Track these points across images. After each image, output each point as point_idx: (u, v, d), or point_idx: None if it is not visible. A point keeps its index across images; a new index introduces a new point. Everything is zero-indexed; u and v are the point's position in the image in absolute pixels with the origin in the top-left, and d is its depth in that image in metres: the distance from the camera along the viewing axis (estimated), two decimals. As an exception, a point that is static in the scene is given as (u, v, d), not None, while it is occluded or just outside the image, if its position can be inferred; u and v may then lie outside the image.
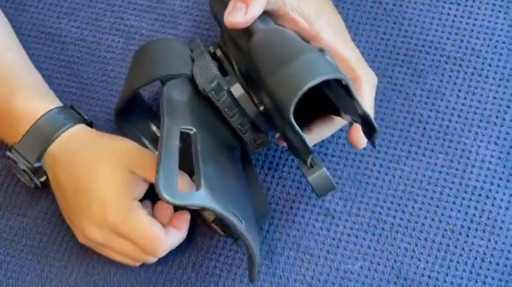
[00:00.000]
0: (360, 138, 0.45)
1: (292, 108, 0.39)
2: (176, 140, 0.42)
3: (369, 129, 0.41)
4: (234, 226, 0.40)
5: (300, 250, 0.51)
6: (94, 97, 0.56)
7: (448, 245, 0.50)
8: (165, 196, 0.37)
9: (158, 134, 0.53)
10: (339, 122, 0.48)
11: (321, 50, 0.43)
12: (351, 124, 0.45)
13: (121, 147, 0.48)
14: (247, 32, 0.45)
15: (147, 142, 0.53)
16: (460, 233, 0.50)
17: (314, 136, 0.48)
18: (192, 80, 0.47)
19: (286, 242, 0.51)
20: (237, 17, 0.44)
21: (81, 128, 0.50)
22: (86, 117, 0.52)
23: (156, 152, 0.48)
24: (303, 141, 0.40)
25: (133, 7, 0.59)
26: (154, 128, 0.54)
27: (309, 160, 0.42)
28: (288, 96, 0.39)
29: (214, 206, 0.39)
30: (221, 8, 0.48)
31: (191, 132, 0.44)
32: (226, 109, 0.46)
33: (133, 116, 0.53)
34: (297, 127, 0.39)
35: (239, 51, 0.47)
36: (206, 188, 0.39)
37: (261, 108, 0.45)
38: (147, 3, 0.59)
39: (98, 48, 0.58)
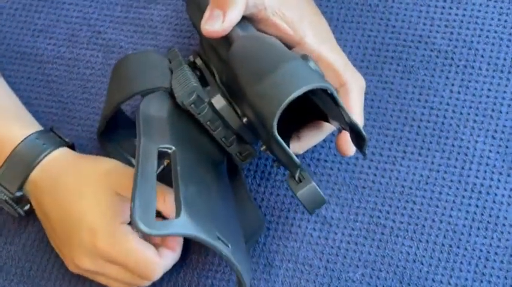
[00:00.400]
0: (348, 146, 0.43)
1: (275, 122, 0.37)
2: (154, 161, 0.40)
3: (358, 138, 0.39)
4: (219, 251, 0.38)
5: (299, 261, 0.49)
6: (75, 116, 0.54)
7: (450, 246, 0.49)
8: (142, 227, 0.35)
9: None
10: (328, 128, 0.46)
11: (304, 57, 0.41)
12: (339, 131, 0.43)
13: (105, 168, 0.47)
14: (227, 40, 0.43)
15: (133, 160, 0.51)
16: (462, 233, 0.49)
17: (303, 144, 0.47)
18: (171, 93, 0.45)
19: (284, 253, 0.50)
20: (214, 25, 0.42)
21: (62, 151, 0.48)
22: (66, 139, 0.50)
23: None
24: (290, 156, 0.38)
25: (110, 20, 0.57)
26: None
27: (297, 174, 0.40)
28: (270, 109, 0.37)
29: (196, 233, 0.37)
30: (199, 15, 0.46)
31: (170, 151, 0.42)
32: (208, 122, 0.44)
33: (116, 134, 0.51)
34: (282, 142, 0.37)
35: (220, 60, 0.45)
36: (187, 214, 0.37)
37: (245, 120, 0.43)
38: (124, 14, 0.56)
39: (76, 65, 0.56)
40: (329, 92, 0.37)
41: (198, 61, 0.48)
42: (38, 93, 0.56)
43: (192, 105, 0.43)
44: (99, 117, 0.54)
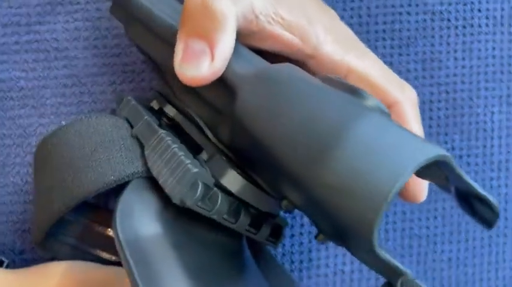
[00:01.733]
0: (421, 187, 0.32)
1: (375, 236, 0.23)
2: None
3: (483, 208, 0.26)
4: None
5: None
6: (-16, 206, 0.37)
7: (490, 236, 0.43)
8: None
9: (101, 230, 0.37)
10: None
11: (353, 91, 0.27)
12: None
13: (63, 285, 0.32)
14: (220, 82, 0.29)
15: (92, 250, 0.36)
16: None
17: None
18: (151, 178, 0.29)
19: (319, 305, 0.40)
20: (199, 67, 0.27)
21: None
22: None
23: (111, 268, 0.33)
24: (395, 268, 0.24)
25: (-8, 51, 0.37)
26: (95, 226, 0.37)
27: (399, 283, 0.25)
28: (362, 215, 0.23)
29: None
30: (151, 38, 0.31)
31: None
32: (225, 216, 0.29)
33: (61, 224, 0.35)
34: (391, 259, 0.24)
35: (209, 108, 0.31)
36: None
37: (284, 204, 0.28)
38: (11, 39, 0.37)
39: (-41, 131, 0.37)
40: (448, 162, 0.24)
41: (170, 110, 0.32)
42: None
43: (199, 203, 0.27)
44: (19, 198, 0.37)
